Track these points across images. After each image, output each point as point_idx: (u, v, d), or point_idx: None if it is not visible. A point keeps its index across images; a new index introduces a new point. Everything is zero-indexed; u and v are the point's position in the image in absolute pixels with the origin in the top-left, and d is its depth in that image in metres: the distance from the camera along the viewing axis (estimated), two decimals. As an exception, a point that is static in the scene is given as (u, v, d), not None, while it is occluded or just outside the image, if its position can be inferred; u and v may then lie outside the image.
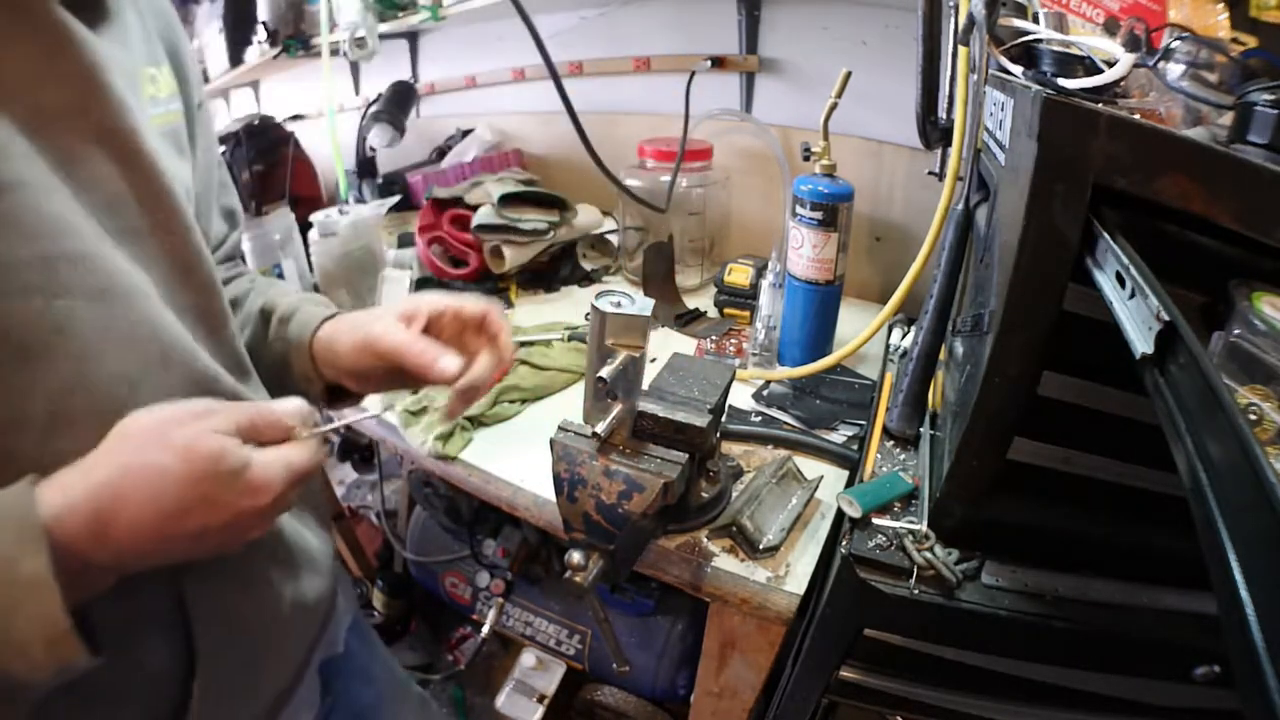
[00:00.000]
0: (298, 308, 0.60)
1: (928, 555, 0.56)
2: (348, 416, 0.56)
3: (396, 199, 1.41)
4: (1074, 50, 0.50)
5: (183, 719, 0.47)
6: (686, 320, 1.12)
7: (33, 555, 0.32)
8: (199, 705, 0.48)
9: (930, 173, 0.81)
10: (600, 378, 0.53)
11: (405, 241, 1.37)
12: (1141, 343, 0.30)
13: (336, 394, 0.61)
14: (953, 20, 0.69)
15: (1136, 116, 0.41)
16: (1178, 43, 0.49)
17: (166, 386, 0.44)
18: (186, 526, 0.37)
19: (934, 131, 0.77)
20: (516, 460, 0.81)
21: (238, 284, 0.65)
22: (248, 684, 0.53)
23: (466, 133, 1.57)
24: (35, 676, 0.33)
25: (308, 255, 1.16)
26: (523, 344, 1.01)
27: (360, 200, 1.43)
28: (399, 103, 1.40)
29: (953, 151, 0.65)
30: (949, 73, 0.73)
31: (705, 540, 0.69)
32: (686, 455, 0.59)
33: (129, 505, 0.36)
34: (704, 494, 0.69)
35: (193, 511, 0.37)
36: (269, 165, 1.34)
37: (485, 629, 1.11)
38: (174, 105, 0.51)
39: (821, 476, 0.76)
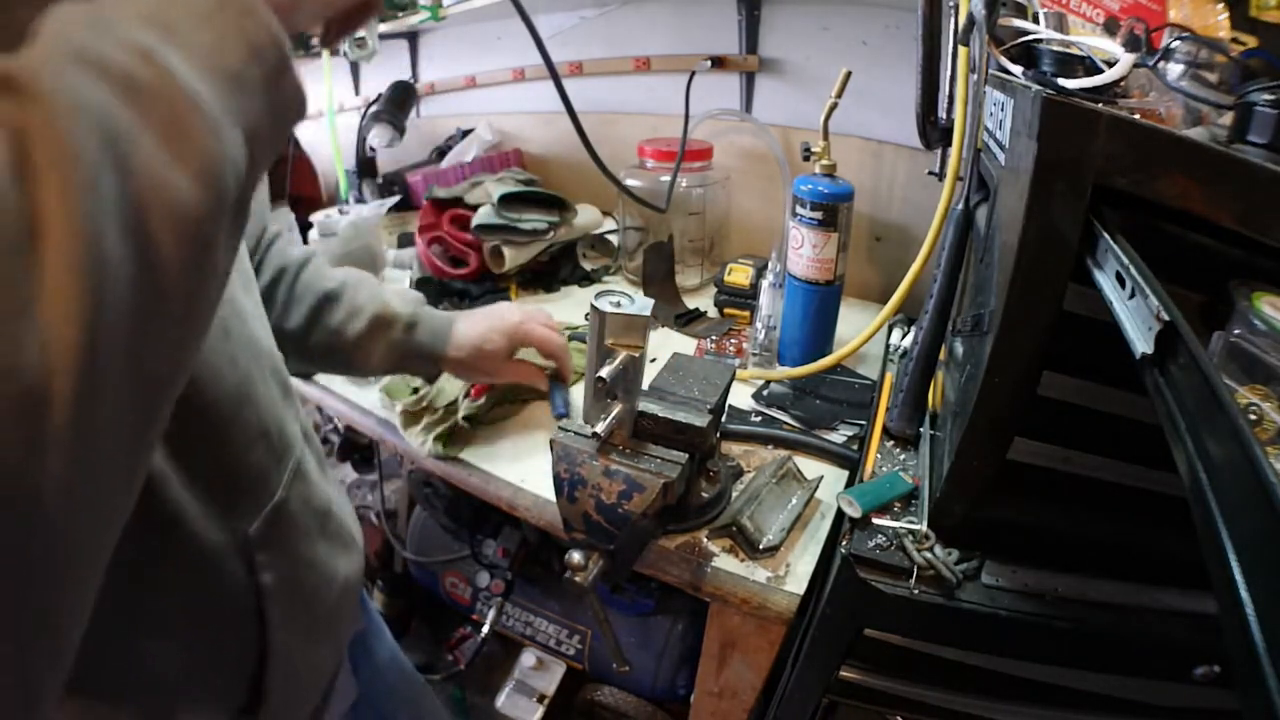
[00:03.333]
0: (418, 316, 0.75)
1: (928, 555, 0.56)
2: None
3: (396, 199, 1.41)
4: (1074, 50, 0.50)
5: (255, 702, 0.48)
6: (686, 320, 1.12)
7: None
8: (272, 693, 0.49)
9: (930, 173, 0.81)
10: (600, 378, 0.53)
11: (405, 241, 1.37)
12: (1141, 343, 0.30)
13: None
14: (953, 20, 0.69)
15: (1136, 116, 0.41)
16: (1178, 43, 0.49)
17: (262, 373, 0.48)
18: None
19: (934, 131, 0.77)
20: (516, 460, 0.81)
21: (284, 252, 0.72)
22: (313, 666, 0.55)
23: (466, 133, 1.57)
24: (227, 53, 0.27)
25: (308, 255, 1.16)
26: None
27: (360, 200, 1.43)
28: (399, 103, 1.40)
29: (953, 151, 0.65)
30: (949, 73, 0.73)
31: (705, 540, 0.69)
32: (686, 455, 0.59)
33: None
34: (704, 494, 0.69)
35: None
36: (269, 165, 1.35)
37: (485, 629, 1.11)
38: None
39: (821, 476, 0.76)
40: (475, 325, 0.77)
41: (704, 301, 1.18)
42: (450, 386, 0.92)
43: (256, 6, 0.28)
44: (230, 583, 0.47)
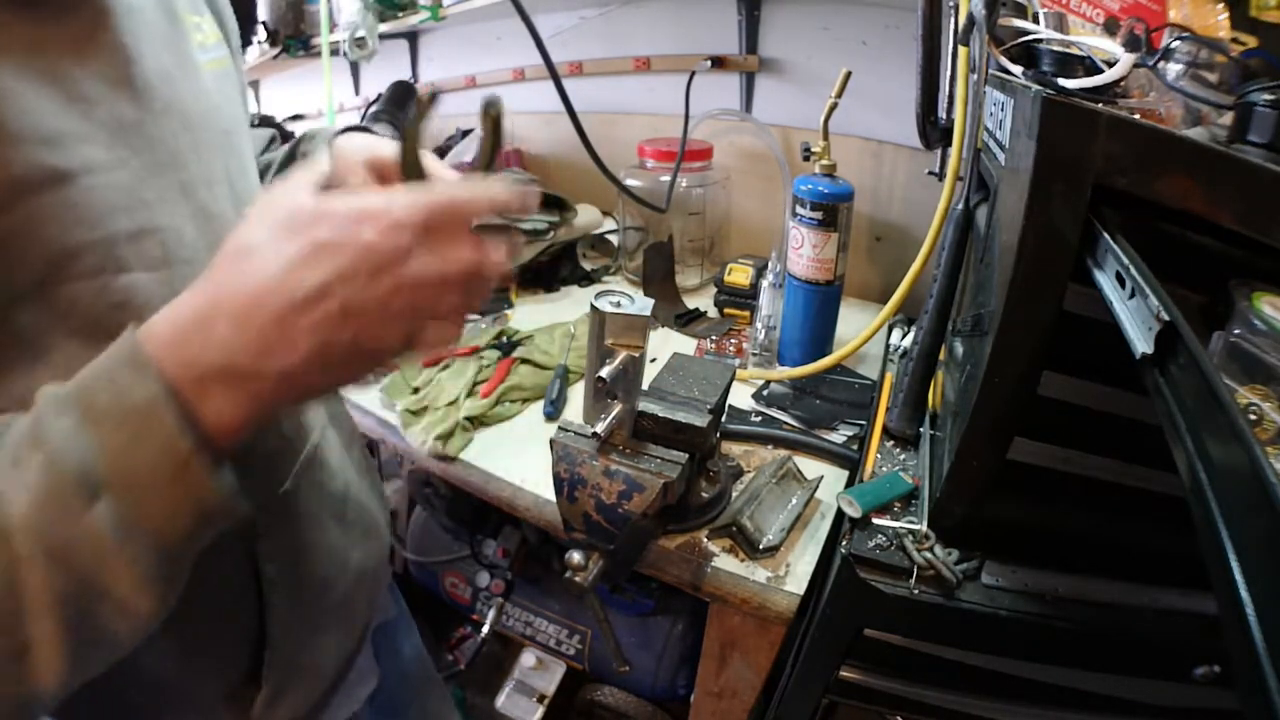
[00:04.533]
0: (318, 130, 0.65)
1: (928, 555, 0.55)
2: None
3: (397, 199, 1.40)
4: (1074, 50, 0.50)
5: (253, 687, 0.50)
6: (686, 320, 1.12)
7: (141, 382, 0.30)
8: (269, 680, 0.50)
9: (930, 173, 0.81)
10: (600, 378, 0.53)
11: (405, 241, 1.37)
12: (1141, 343, 0.30)
13: None
14: (953, 20, 0.69)
15: (1136, 116, 0.41)
16: (1178, 43, 0.49)
17: None
18: (307, 285, 0.30)
19: (934, 131, 0.77)
20: (516, 460, 0.81)
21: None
22: (317, 655, 0.55)
23: (466, 133, 1.57)
24: (176, 527, 0.31)
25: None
26: (524, 340, 1.01)
27: (360, 200, 1.43)
28: (399, 103, 1.40)
29: (953, 151, 0.65)
30: (949, 73, 0.73)
31: (705, 540, 0.69)
32: (686, 455, 0.59)
33: (234, 278, 0.31)
34: (704, 494, 0.69)
35: (311, 261, 0.30)
36: (269, 165, 1.35)
37: (485, 629, 1.11)
38: (221, 52, 0.52)
39: (821, 476, 0.76)
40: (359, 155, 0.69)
41: (704, 301, 1.18)
42: (451, 385, 0.92)
43: (209, 477, 0.31)
44: (232, 573, 0.47)
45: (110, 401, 0.30)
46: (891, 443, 0.73)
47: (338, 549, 0.56)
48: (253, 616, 0.49)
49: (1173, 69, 0.49)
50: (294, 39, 1.46)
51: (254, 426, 0.32)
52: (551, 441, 0.60)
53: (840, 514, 0.64)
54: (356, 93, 1.76)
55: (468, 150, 1.52)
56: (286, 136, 1.47)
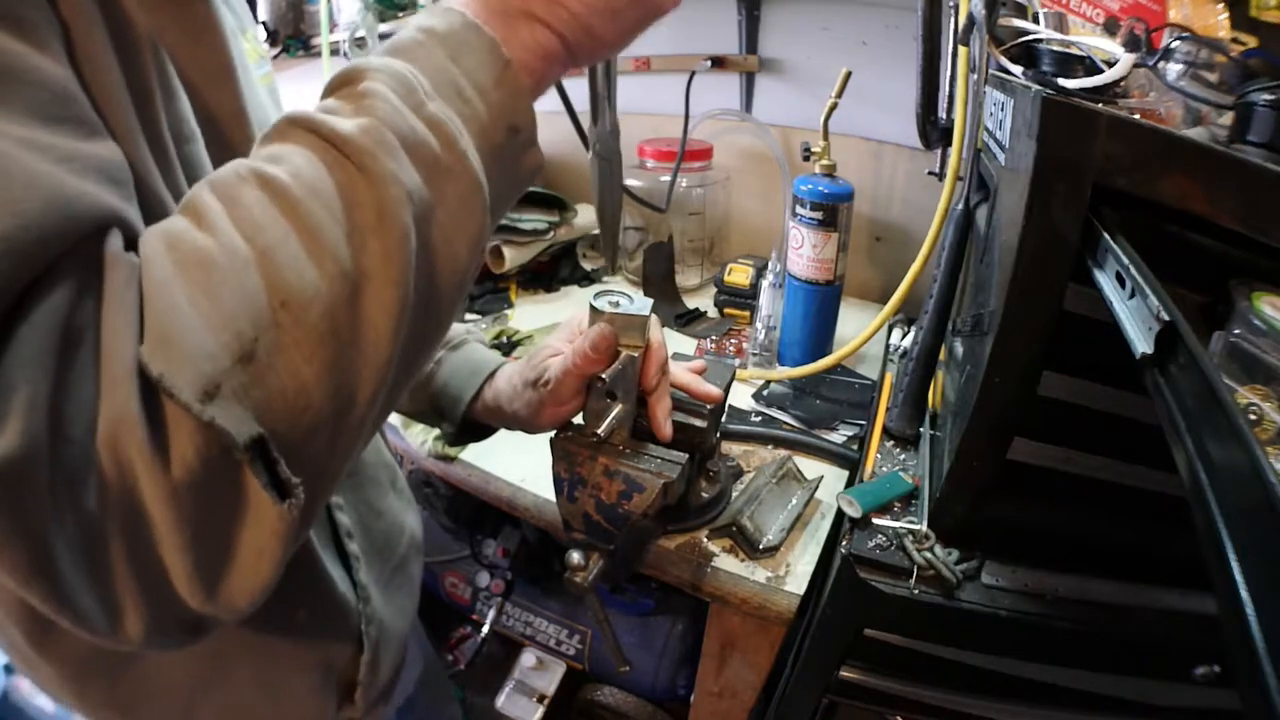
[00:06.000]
0: (465, 339, 0.64)
1: (928, 555, 0.55)
2: None
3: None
4: (1074, 50, 0.50)
5: (355, 649, 0.52)
6: (686, 320, 1.12)
7: (452, 15, 0.32)
8: (369, 628, 0.52)
9: (930, 173, 0.81)
10: (600, 377, 0.53)
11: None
12: (1141, 343, 0.30)
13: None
14: (953, 20, 0.69)
15: (1136, 116, 0.41)
16: (1178, 43, 0.49)
17: None
18: None
19: (934, 131, 0.77)
20: (516, 460, 0.81)
21: None
22: (394, 615, 0.58)
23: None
24: (493, 138, 0.32)
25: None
26: (524, 340, 1.01)
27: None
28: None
29: (953, 151, 0.65)
30: (949, 73, 0.73)
31: (705, 540, 0.69)
32: (686, 455, 0.59)
33: None
34: (704, 494, 0.69)
35: None
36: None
37: (485, 629, 1.11)
38: (267, 68, 0.55)
39: (821, 476, 0.76)
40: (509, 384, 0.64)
41: (704, 301, 1.18)
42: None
43: (523, 90, 0.34)
44: (315, 527, 0.49)
45: (421, 36, 0.32)
46: (891, 443, 0.73)
47: (396, 512, 0.60)
48: (341, 570, 0.51)
49: (1173, 69, 0.49)
50: (294, 39, 1.45)
51: (547, 73, 0.36)
52: (551, 441, 0.60)
53: (840, 514, 0.64)
54: (356, 93, 1.76)
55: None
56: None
